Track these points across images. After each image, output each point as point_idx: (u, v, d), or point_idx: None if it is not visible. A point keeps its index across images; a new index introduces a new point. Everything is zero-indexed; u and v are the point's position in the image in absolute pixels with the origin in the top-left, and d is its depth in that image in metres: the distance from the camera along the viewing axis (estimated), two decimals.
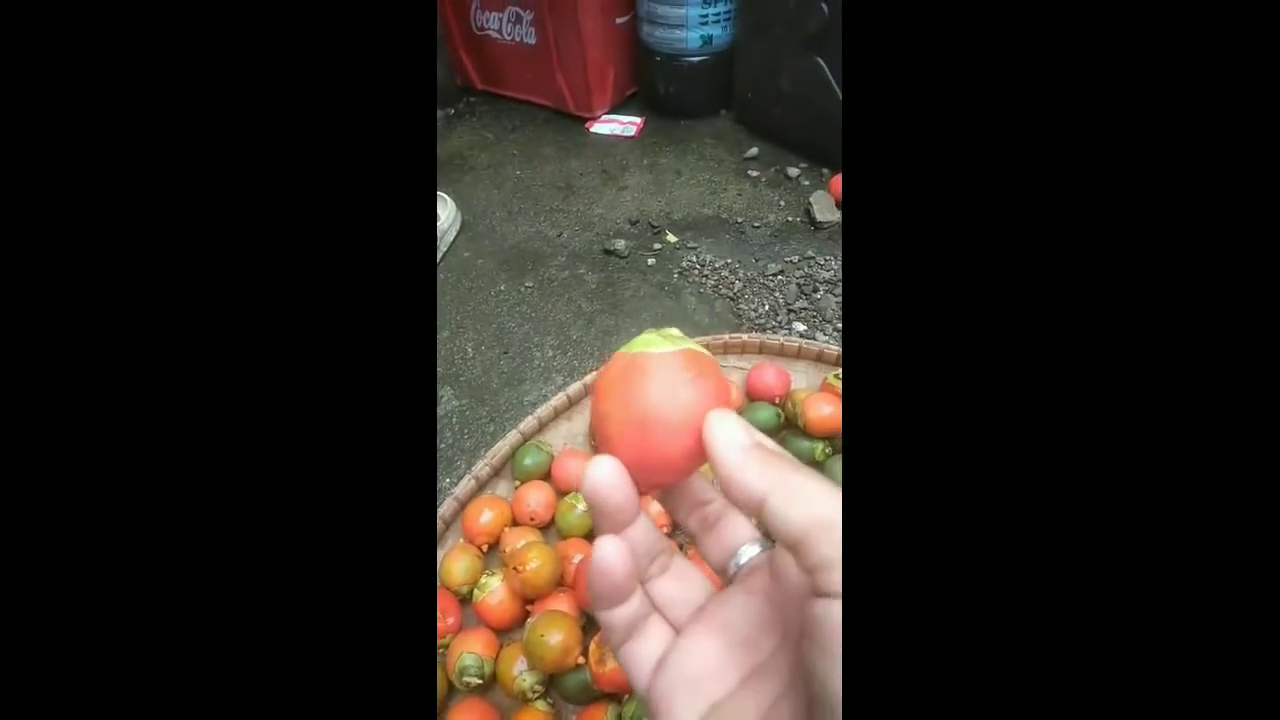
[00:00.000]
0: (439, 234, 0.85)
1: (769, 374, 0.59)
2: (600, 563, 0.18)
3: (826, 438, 0.55)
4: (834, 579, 0.15)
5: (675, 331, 0.20)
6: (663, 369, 0.18)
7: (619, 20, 1.05)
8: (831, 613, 0.15)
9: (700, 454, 0.18)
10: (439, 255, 0.85)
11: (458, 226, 0.90)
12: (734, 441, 0.17)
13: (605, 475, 0.18)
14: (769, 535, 0.19)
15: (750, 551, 0.20)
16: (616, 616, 0.19)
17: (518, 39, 1.08)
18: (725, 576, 0.21)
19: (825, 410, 0.54)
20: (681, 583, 0.21)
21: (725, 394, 0.19)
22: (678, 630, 0.20)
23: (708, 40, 1.02)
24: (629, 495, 0.19)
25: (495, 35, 1.10)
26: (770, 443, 0.19)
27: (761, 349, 0.65)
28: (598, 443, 0.19)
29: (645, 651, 0.19)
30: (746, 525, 0.21)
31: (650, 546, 0.20)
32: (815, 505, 0.16)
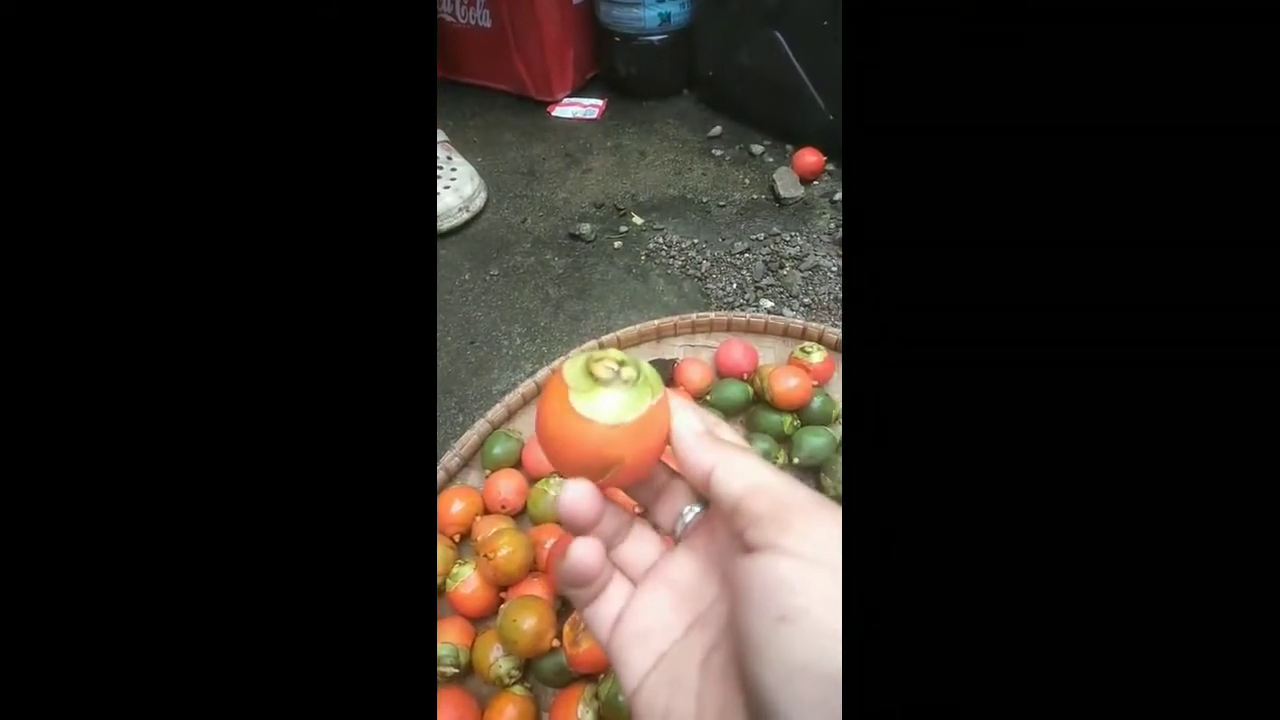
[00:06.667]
0: (468, 201, 0.85)
1: (737, 351, 0.60)
2: (577, 563, 0.21)
3: (794, 410, 0.56)
4: (761, 532, 0.17)
5: (610, 358, 0.21)
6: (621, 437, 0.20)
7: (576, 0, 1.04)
8: (756, 566, 0.17)
9: (652, 464, 0.22)
10: (463, 221, 0.86)
11: (483, 196, 0.89)
12: (690, 429, 0.21)
13: (579, 498, 0.20)
14: (704, 500, 0.22)
15: (691, 512, 0.22)
16: (584, 588, 0.22)
17: (472, 21, 1.05)
18: (674, 537, 0.23)
19: (792, 383, 0.55)
20: (639, 545, 0.23)
21: (666, 409, 0.21)
22: (635, 586, 0.22)
23: (666, 18, 1.01)
24: (599, 510, 0.21)
25: (449, 18, 1.07)
26: (724, 428, 0.22)
27: (729, 326, 0.65)
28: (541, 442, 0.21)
29: (606, 610, 0.22)
30: (687, 491, 0.23)
31: (615, 527, 0.22)
32: (750, 474, 0.19)
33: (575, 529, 0.21)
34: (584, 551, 0.20)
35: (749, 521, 0.18)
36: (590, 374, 0.20)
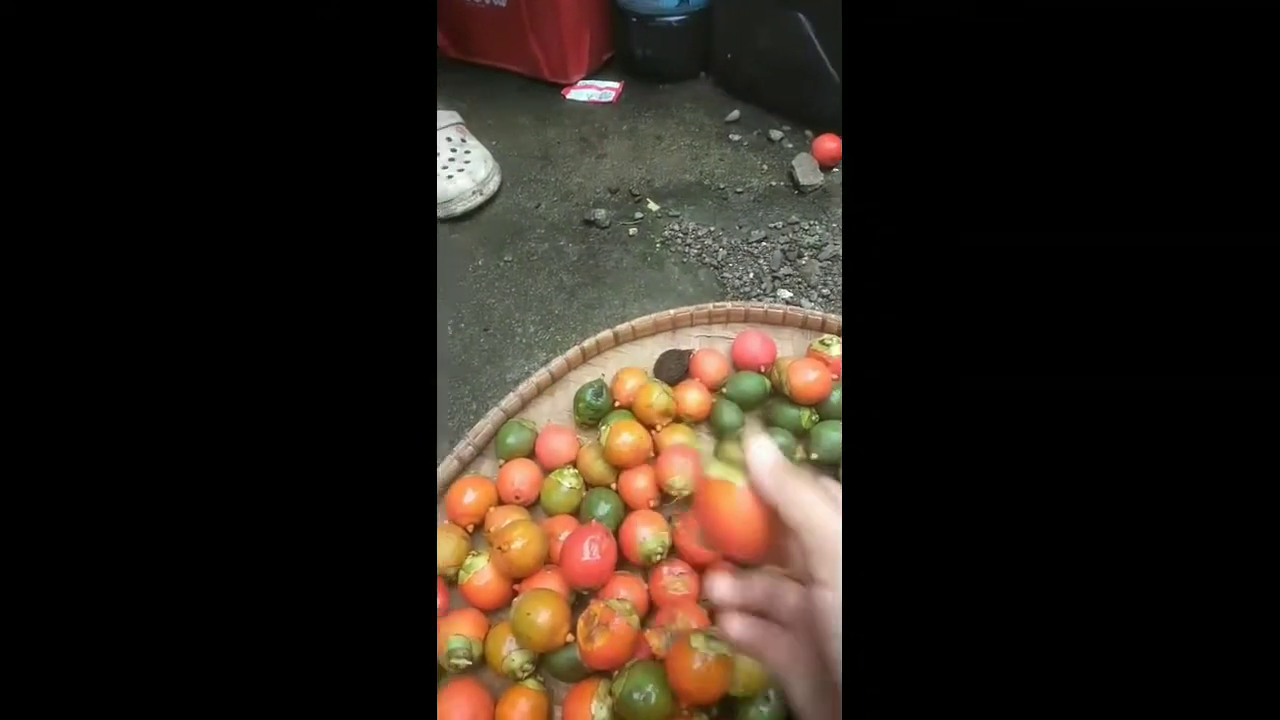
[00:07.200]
0: (481, 184, 0.84)
1: (754, 342, 0.58)
2: (738, 639, 0.27)
3: (813, 404, 0.55)
4: (814, 565, 0.21)
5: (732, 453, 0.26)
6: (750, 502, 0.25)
7: None
8: (814, 595, 0.21)
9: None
10: (476, 204, 0.85)
11: (497, 180, 0.88)
12: (764, 462, 0.25)
13: (727, 591, 0.28)
14: None
15: None
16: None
17: (487, 1, 1.03)
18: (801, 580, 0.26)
19: (810, 377, 0.53)
20: (787, 593, 0.26)
21: None
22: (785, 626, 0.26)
23: None
24: (743, 592, 0.27)
25: None
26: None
27: (746, 317, 0.64)
28: (709, 538, 0.27)
29: (773, 656, 0.26)
30: None
31: (764, 589, 0.27)
32: (807, 509, 0.22)
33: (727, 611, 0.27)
34: (738, 629, 0.27)
35: (805, 552, 0.22)
36: (734, 461, 0.25)
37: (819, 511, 0.22)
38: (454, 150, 0.84)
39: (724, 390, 0.57)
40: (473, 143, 0.87)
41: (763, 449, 0.25)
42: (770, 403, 0.57)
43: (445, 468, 0.53)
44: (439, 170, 0.82)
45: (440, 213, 0.83)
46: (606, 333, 0.62)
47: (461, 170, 0.82)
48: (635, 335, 0.63)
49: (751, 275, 0.74)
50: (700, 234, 0.80)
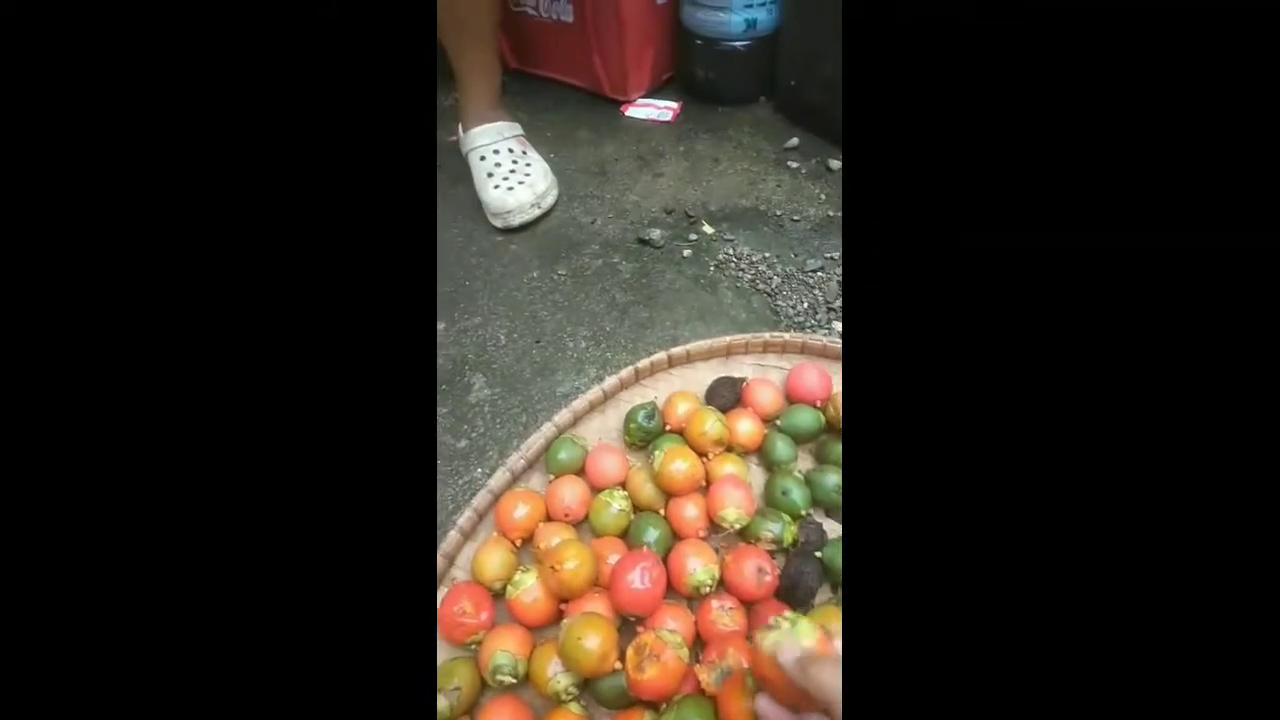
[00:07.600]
0: (540, 197, 0.85)
1: (811, 376, 0.58)
2: None
3: None
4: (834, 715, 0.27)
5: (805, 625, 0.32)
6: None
7: (660, 0, 1.02)
8: None
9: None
10: (534, 217, 0.86)
11: (555, 194, 0.89)
12: (793, 655, 0.31)
13: (772, 714, 0.33)
14: None
15: None
16: None
17: (555, 16, 1.05)
18: None
19: None
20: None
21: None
22: None
23: (751, 24, 0.99)
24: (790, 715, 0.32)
25: (532, 12, 1.07)
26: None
27: (803, 349, 0.63)
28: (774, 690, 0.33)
29: None
30: None
31: None
32: (821, 683, 0.29)
33: None
34: None
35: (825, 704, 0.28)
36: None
37: (830, 684, 0.28)
38: (515, 162, 0.86)
39: (778, 423, 0.57)
40: (533, 155, 0.88)
41: (786, 645, 0.32)
42: (824, 439, 0.56)
43: (497, 479, 0.53)
44: (500, 182, 0.83)
45: (498, 224, 0.84)
46: (660, 354, 0.62)
47: (522, 183, 0.84)
48: (689, 359, 0.63)
49: (806, 305, 0.74)
50: (755, 260, 0.80)
